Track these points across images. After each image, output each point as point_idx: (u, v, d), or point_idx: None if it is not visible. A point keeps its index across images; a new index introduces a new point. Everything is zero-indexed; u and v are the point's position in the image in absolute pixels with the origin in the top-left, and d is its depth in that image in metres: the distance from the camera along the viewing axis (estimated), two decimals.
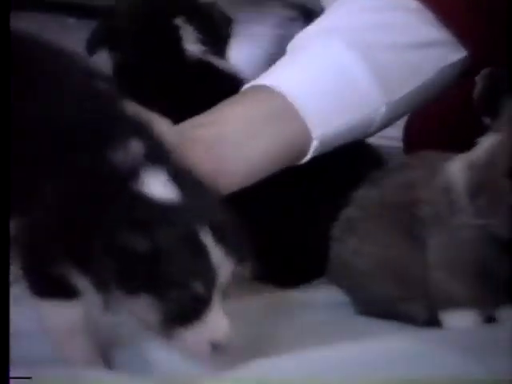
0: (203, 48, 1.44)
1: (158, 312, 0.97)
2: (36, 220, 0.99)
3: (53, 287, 1.01)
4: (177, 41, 1.44)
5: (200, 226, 0.97)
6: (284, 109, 1.23)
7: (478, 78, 1.26)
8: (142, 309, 0.97)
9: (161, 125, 1.08)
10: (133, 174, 0.96)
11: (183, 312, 0.97)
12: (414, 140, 1.54)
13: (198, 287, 0.96)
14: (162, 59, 1.44)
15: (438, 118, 1.47)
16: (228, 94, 1.28)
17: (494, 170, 1.13)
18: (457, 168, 1.19)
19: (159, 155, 1.01)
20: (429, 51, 1.36)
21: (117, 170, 0.96)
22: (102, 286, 0.97)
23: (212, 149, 1.17)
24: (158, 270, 0.95)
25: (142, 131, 1.01)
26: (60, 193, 0.97)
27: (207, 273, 0.96)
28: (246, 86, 1.29)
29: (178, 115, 1.21)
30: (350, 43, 1.29)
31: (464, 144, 1.21)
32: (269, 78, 1.26)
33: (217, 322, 0.98)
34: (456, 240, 1.17)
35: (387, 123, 1.37)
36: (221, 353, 0.98)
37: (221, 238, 0.98)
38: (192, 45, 1.45)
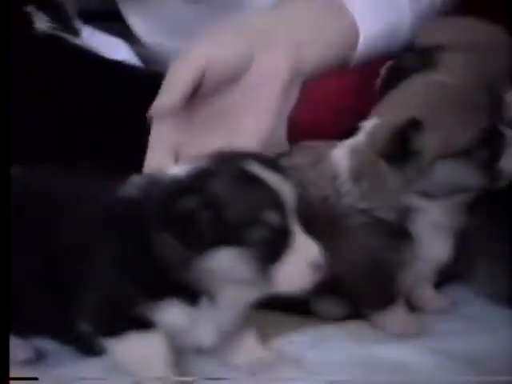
0: (54, 26, 1.49)
1: (249, 257, 0.98)
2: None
3: (131, 323, 1.02)
4: (29, 24, 1.47)
5: (243, 163, 0.99)
6: (336, 6, 1.27)
7: (382, 70, 1.29)
8: (230, 261, 0.98)
9: None
10: None
11: (272, 247, 0.98)
12: (298, 129, 1.54)
13: (273, 217, 0.98)
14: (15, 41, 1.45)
15: (322, 107, 1.48)
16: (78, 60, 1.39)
17: (372, 152, 1.14)
18: (340, 154, 1.20)
19: None
20: None
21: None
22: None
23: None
24: (227, 217, 0.96)
25: None
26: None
27: (273, 199, 0.98)
28: None
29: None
30: None
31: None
32: None
33: (306, 244, 0.99)
34: (344, 227, 1.17)
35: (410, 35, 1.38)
36: (319, 272, 0.99)
37: (268, 165, 1.00)
38: (43, 25, 1.48)
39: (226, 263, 0.98)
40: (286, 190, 0.99)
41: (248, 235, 0.97)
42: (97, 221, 1.04)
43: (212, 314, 1.03)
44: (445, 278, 1.27)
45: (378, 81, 1.28)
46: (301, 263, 0.98)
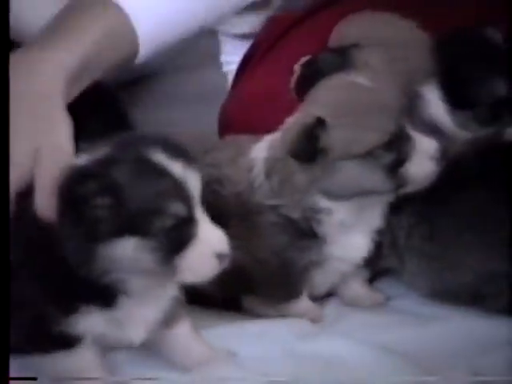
0: None
1: (152, 247, 0.96)
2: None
3: (56, 341, 1.01)
4: None
5: (147, 150, 0.97)
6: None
7: (296, 66, 1.29)
8: (134, 251, 0.96)
9: None
10: None
11: (176, 237, 0.97)
12: (229, 122, 1.55)
13: (177, 207, 0.96)
14: None
15: (253, 102, 1.48)
16: None
17: (283, 149, 1.14)
18: (259, 147, 1.20)
19: None
20: None
21: None
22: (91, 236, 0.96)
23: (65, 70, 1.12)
24: (128, 205, 0.95)
25: None
26: None
27: (177, 188, 0.96)
28: None
29: None
30: None
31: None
32: None
33: (213, 234, 0.98)
34: (255, 225, 1.17)
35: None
36: (224, 261, 0.99)
37: (174, 153, 0.98)
38: None
39: (129, 253, 0.96)
40: (191, 178, 0.97)
41: (151, 225, 0.95)
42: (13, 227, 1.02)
43: (133, 311, 1.02)
44: (378, 272, 1.29)
45: (293, 78, 1.27)
46: (206, 253, 0.97)
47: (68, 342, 1.01)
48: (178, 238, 0.97)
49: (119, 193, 0.95)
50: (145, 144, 0.98)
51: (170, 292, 1.06)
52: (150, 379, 1.04)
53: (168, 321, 1.08)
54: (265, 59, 1.52)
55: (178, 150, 0.99)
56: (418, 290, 1.24)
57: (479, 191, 1.17)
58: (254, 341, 1.13)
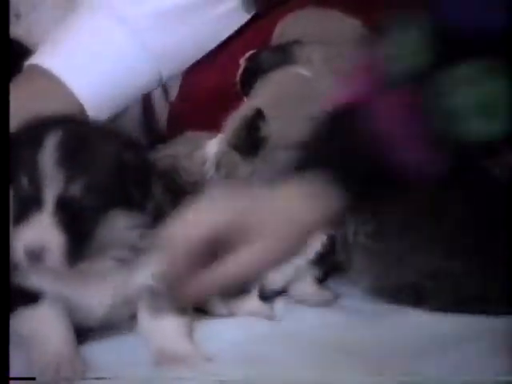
0: None
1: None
2: None
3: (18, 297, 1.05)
4: None
5: (46, 131, 1.02)
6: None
7: (242, 60, 1.31)
8: None
9: None
10: None
11: (19, 209, 1.01)
12: (178, 120, 1.55)
13: (24, 181, 1.00)
14: None
15: (201, 99, 1.49)
16: None
17: (226, 142, 1.17)
18: (212, 143, 1.23)
19: None
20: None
21: None
22: None
23: None
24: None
25: None
26: None
27: (32, 170, 1.00)
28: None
29: None
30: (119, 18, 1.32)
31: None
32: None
33: (35, 228, 0.99)
34: None
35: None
36: (39, 262, 0.99)
37: (60, 141, 1.01)
38: None
39: None
40: (50, 169, 1.00)
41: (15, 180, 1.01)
42: None
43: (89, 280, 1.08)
44: (331, 270, 1.30)
45: (239, 72, 1.30)
46: (19, 244, 0.99)
47: (28, 298, 1.06)
48: (20, 210, 1.01)
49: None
50: (50, 126, 1.04)
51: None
52: (103, 378, 1.04)
53: (151, 310, 1.10)
54: (212, 58, 1.51)
55: (67, 141, 1.03)
56: (362, 287, 1.25)
57: (424, 190, 1.19)
58: (205, 341, 1.13)
